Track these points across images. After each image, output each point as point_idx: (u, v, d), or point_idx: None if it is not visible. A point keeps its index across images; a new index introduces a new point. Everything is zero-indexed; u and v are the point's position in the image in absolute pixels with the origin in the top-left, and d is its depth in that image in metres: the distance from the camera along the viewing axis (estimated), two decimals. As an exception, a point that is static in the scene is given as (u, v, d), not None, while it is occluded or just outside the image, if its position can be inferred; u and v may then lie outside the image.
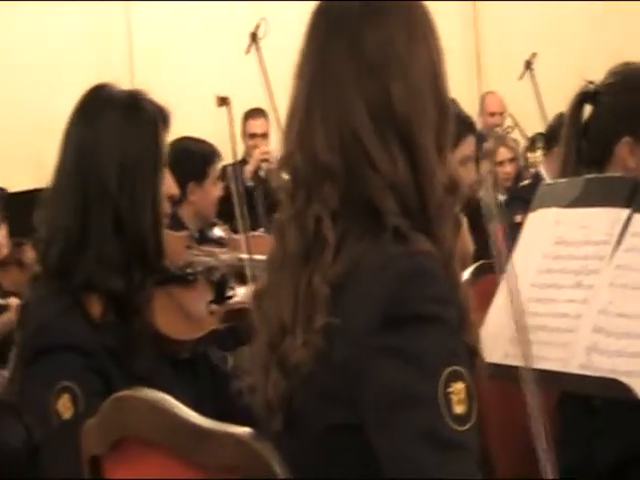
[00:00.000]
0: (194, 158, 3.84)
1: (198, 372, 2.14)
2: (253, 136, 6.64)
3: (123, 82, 2.11)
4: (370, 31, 1.44)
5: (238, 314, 2.20)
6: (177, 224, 3.19)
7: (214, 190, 3.98)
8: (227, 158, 4.43)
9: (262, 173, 6.19)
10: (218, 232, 3.92)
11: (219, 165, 4.06)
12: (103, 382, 1.89)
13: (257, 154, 6.28)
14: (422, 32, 1.47)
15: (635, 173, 2.00)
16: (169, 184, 2.07)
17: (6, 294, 4.27)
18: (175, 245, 2.24)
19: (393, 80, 1.43)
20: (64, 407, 1.85)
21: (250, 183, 6.19)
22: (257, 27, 6.31)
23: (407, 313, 1.36)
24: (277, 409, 1.46)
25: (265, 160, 6.22)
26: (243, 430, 1.35)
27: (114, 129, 1.98)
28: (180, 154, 3.20)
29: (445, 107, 1.47)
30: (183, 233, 2.72)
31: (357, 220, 1.43)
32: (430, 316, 1.36)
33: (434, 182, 1.43)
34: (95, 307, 1.95)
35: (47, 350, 1.90)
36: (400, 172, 1.41)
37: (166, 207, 2.06)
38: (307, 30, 1.49)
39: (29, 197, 5.15)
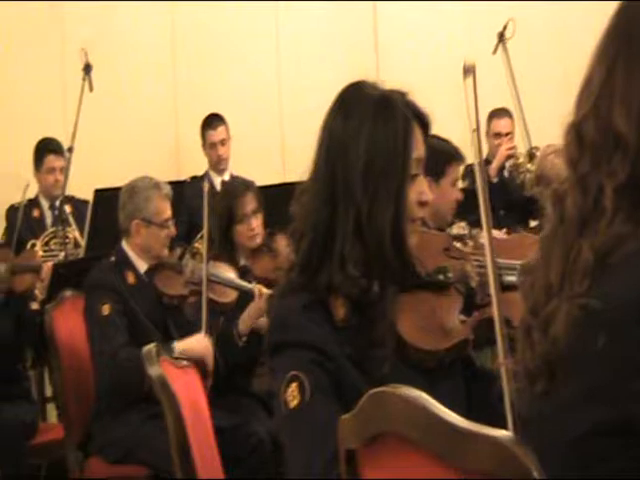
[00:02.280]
0: (433, 155, 3.78)
1: (455, 375, 2.10)
2: (498, 135, 6.57)
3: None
4: None
5: (490, 323, 2.15)
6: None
7: (452, 191, 3.90)
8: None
9: (506, 173, 6.12)
10: (457, 229, 3.88)
11: (460, 167, 3.99)
12: (333, 383, 1.87)
13: (503, 150, 6.21)
14: None
15: None
16: (422, 190, 2.00)
17: (256, 280, 4.38)
18: (433, 245, 2.19)
19: None
20: (291, 395, 1.85)
21: (495, 180, 6.14)
22: (505, 27, 6.24)
23: None
24: (537, 374, 1.45)
25: (510, 156, 6.15)
26: (503, 433, 1.33)
27: (363, 130, 1.94)
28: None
29: None
30: (443, 233, 2.66)
31: (633, 201, 1.42)
32: None
33: None
34: (339, 309, 1.93)
35: (285, 345, 1.91)
36: None
37: (417, 212, 1.99)
38: (619, 11, 1.51)
39: (280, 190, 5.33)
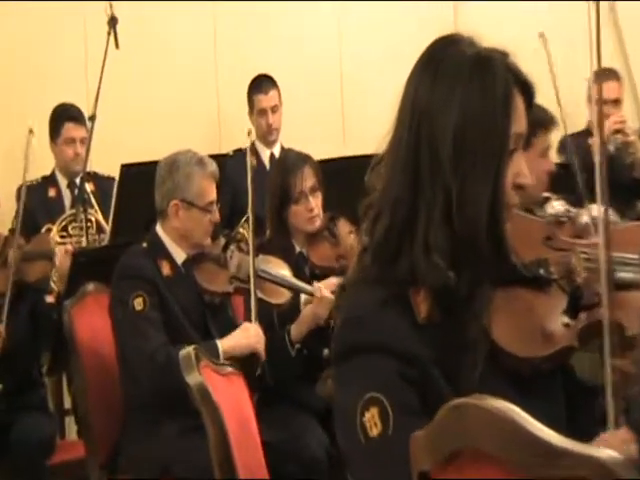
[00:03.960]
0: None
1: (553, 386, 2.09)
2: (604, 102, 6.46)
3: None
4: None
5: (600, 328, 2.11)
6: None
7: (542, 163, 3.85)
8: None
9: (611, 147, 6.05)
10: (557, 206, 3.86)
11: (549, 134, 3.96)
12: (420, 397, 1.86)
13: (610, 122, 6.09)
14: None
15: None
16: (520, 171, 1.96)
17: (315, 269, 4.43)
18: (532, 233, 2.16)
19: None
20: (371, 422, 1.83)
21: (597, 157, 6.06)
22: (613, -13, 6.20)
23: None
24: None
25: (618, 131, 6.03)
26: (605, 452, 1.35)
27: (454, 94, 1.91)
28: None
29: None
30: (543, 220, 2.63)
31: None
32: None
33: None
34: (422, 304, 1.91)
35: (358, 349, 1.90)
36: None
37: (513, 197, 1.96)
38: None
39: (340, 165, 5.29)
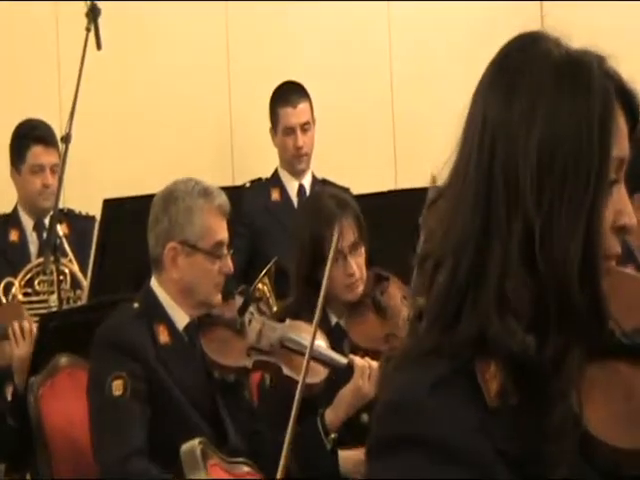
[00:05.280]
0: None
1: None
2: None
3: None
4: None
5: None
6: (623, 254, 3.11)
7: None
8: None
9: None
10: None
11: None
12: None
13: None
14: None
15: None
16: (623, 208, 1.95)
17: (356, 350, 4.36)
18: (633, 292, 2.16)
19: None
20: None
21: None
22: None
23: None
24: None
25: None
26: None
27: (538, 108, 1.93)
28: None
29: None
30: None
31: None
32: None
33: None
34: (492, 381, 1.90)
35: (402, 442, 1.88)
36: None
37: (613, 244, 1.96)
38: None
39: (390, 201, 5.27)
